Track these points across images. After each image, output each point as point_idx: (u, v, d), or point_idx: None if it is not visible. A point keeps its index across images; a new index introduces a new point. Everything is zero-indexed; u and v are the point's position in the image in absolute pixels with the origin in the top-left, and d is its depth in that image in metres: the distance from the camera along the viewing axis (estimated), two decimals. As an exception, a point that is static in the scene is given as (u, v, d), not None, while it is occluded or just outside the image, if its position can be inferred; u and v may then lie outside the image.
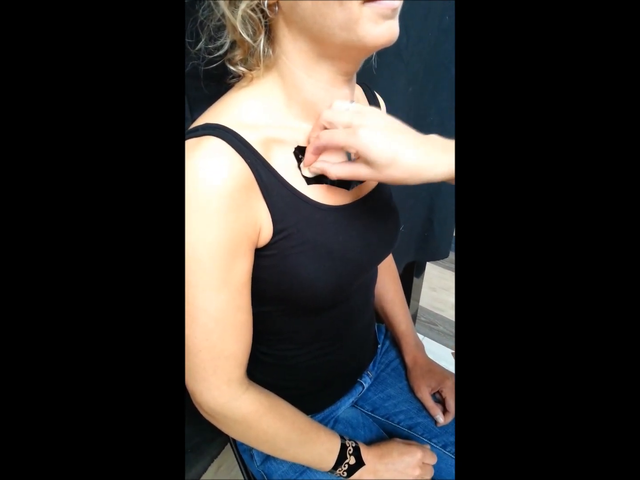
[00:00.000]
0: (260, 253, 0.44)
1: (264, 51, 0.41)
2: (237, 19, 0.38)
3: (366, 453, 0.55)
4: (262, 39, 0.40)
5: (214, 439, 0.87)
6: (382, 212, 0.55)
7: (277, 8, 0.39)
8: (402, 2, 0.38)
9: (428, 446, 0.61)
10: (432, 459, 0.59)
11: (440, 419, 0.64)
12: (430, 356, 0.76)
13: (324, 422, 0.63)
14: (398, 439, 0.60)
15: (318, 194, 0.45)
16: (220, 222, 0.37)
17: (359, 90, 0.56)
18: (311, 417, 0.62)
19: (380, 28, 0.37)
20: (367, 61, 0.47)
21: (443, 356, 1.39)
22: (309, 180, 0.45)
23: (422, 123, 0.88)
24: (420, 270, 1.24)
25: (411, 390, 0.68)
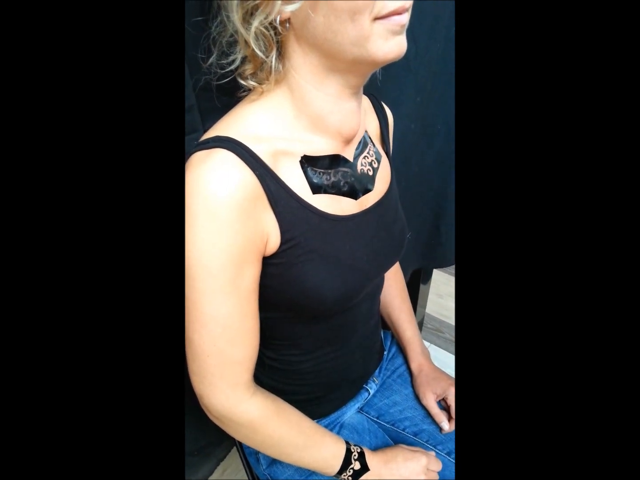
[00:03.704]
0: (267, 261, 0.45)
1: (274, 67, 0.42)
2: (251, 35, 0.39)
3: (371, 458, 0.56)
4: (274, 54, 0.41)
5: (220, 442, 0.88)
6: (389, 221, 0.55)
7: (288, 24, 0.40)
8: (409, 17, 0.39)
9: (433, 453, 0.61)
10: (437, 466, 0.59)
11: (445, 426, 0.64)
12: (436, 363, 0.77)
13: (329, 427, 0.63)
14: (403, 445, 0.60)
15: (325, 204, 0.47)
16: (229, 232, 0.39)
17: (366, 101, 0.57)
18: (317, 422, 0.62)
19: (390, 44, 0.38)
20: (373, 73, 0.48)
21: (449, 363, 1.38)
22: (315, 190, 0.46)
23: (429, 132, 0.89)
24: (426, 277, 1.25)
25: (417, 397, 0.69)
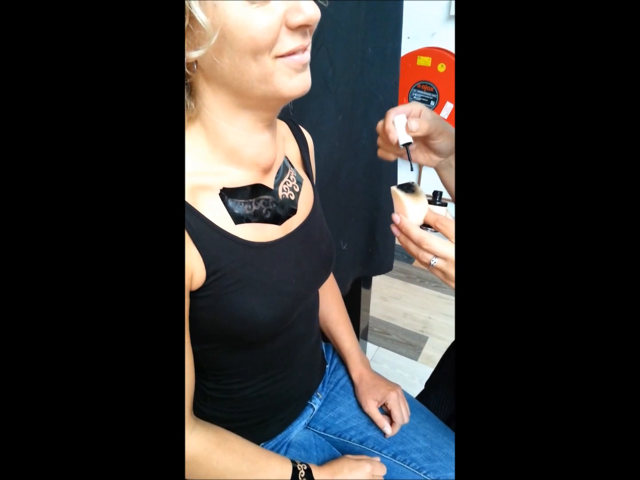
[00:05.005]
0: (196, 294, 0.45)
1: (186, 105, 0.43)
2: None
3: (318, 474, 0.57)
4: (184, 94, 0.42)
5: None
6: (315, 241, 0.58)
7: (196, 66, 0.41)
8: (309, 56, 0.41)
9: (378, 458, 0.64)
10: (382, 470, 0.62)
11: (388, 430, 0.67)
12: (385, 365, 0.79)
13: (276, 448, 0.64)
14: (349, 455, 0.62)
15: (248, 232, 0.48)
16: None
17: (284, 127, 0.59)
18: (264, 444, 0.63)
19: (295, 80, 0.41)
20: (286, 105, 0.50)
21: (398, 364, 1.43)
22: (237, 220, 0.47)
23: (355, 147, 0.93)
24: (368, 282, 1.29)
25: (360, 405, 0.71)
